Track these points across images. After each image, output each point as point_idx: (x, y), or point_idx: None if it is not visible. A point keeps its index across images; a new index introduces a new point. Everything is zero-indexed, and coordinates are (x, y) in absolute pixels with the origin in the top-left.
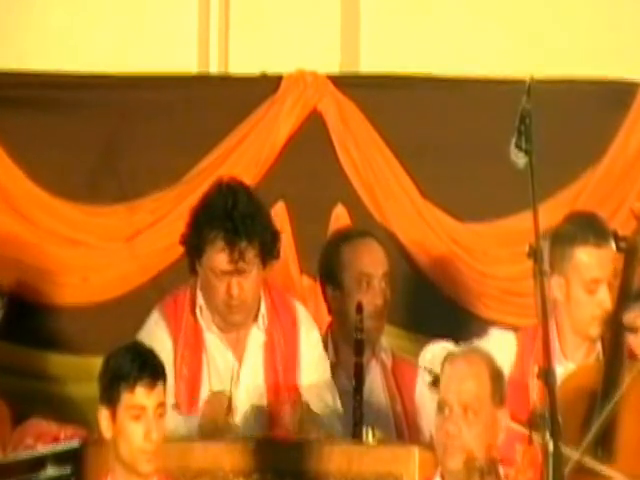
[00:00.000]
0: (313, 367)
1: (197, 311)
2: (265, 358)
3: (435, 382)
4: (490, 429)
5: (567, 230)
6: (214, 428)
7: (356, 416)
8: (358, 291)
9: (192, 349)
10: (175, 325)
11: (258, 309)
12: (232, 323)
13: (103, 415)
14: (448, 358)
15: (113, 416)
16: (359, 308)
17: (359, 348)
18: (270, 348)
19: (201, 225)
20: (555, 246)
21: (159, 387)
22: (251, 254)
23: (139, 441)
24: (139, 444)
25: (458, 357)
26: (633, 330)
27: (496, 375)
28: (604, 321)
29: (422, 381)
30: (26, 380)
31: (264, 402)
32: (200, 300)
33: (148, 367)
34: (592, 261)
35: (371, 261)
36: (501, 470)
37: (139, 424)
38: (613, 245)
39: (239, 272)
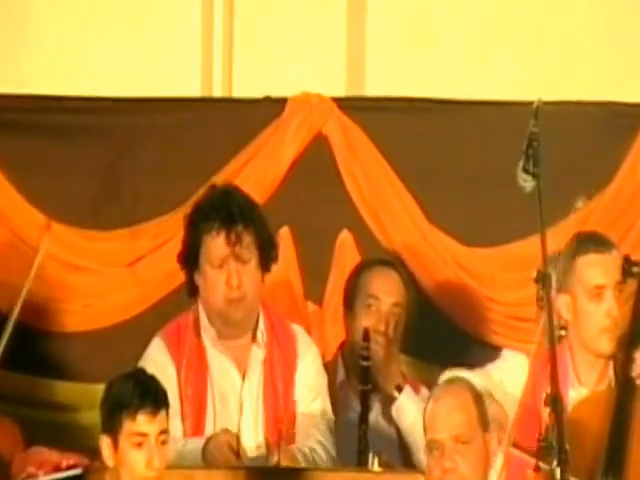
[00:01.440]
0: (312, 388)
1: (202, 331)
2: (265, 374)
3: None
4: (483, 454)
5: (569, 247)
6: (219, 462)
7: (361, 444)
8: (366, 314)
9: (196, 371)
10: (177, 348)
11: (257, 325)
12: (233, 323)
13: (105, 443)
14: (429, 399)
15: (115, 444)
16: (366, 335)
17: (364, 375)
18: (269, 364)
19: (196, 222)
20: (559, 266)
21: (161, 414)
22: (248, 239)
23: (141, 469)
24: (141, 472)
25: (440, 394)
26: None
27: (478, 399)
28: (615, 336)
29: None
30: (28, 408)
31: (262, 426)
32: (204, 320)
33: (150, 394)
34: (594, 268)
35: (382, 287)
36: None
37: (141, 452)
38: (617, 253)
39: (237, 258)
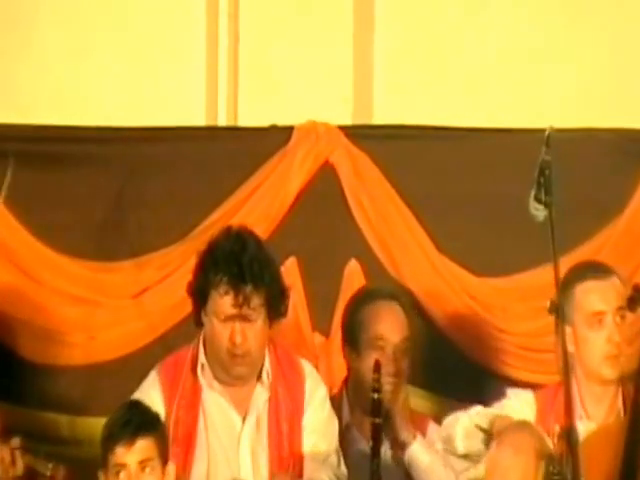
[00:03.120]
0: (320, 427)
1: (198, 369)
2: (269, 414)
3: (487, 440)
4: None
5: (567, 277)
6: None
7: (374, 479)
8: (374, 354)
9: (188, 410)
10: (170, 387)
11: (262, 365)
12: (236, 376)
13: (101, 478)
14: (496, 437)
15: (105, 475)
16: (377, 367)
17: (376, 408)
18: (274, 404)
19: (207, 269)
20: (561, 298)
21: (140, 443)
22: (256, 301)
23: None
24: None
25: (506, 439)
26: None
27: (544, 456)
28: (618, 362)
29: (432, 433)
30: (34, 444)
31: (266, 468)
32: (202, 357)
33: (130, 425)
34: (592, 294)
35: (388, 326)
36: None
37: None
38: (616, 279)
39: (243, 318)
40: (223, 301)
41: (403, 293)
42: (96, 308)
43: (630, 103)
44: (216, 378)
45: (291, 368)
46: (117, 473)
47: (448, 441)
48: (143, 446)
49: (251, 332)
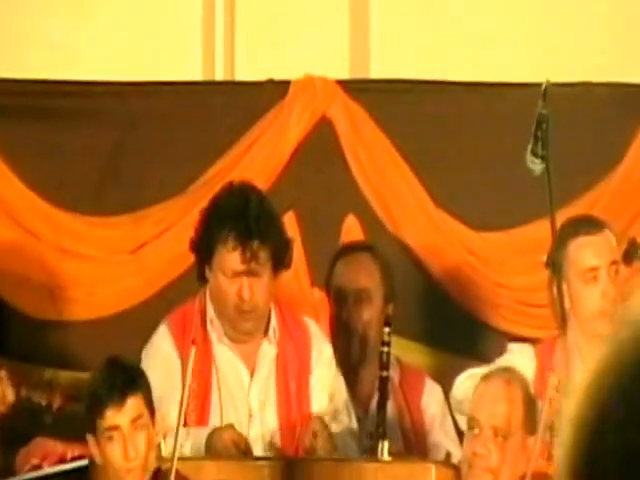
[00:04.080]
0: (327, 386)
1: (208, 323)
2: (277, 372)
3: None
4: (520, 456)
5: (561, 233)
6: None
7: (379, 432)
8: (343, 306)
9: (202, 362)
10: (183, 339)
11: (269, 321)
12: (243, 331)
13: (91, 442)
14: (484, 377)
15: (97, 441)
16: (387, 321)
17: (384, 362)
18: (282, 362)
19: (212, 225)
20: (555, 254)
21: (131, 401)
22: (263, 256)
23: (119, 462)
24: (120, 465)
25: (494, 377)
26: None
27: (530, 401)
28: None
29: (429, 391)
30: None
31: (275, 420)
32: (210, 312)
33: (116, 387)
34: (585, 250)
35: (348, 277)
36: None
37: (115, 445)
38: (609, 233)
39: (251, 273)
40: (231, 257)
41: (398, 247)
42: (94, 263)
43: (627, 57)
44: (225, 334)
45: (297, 327)
46: (110, 438)
47: (460, 401)
48: (133, 404)
49: (258, 287)
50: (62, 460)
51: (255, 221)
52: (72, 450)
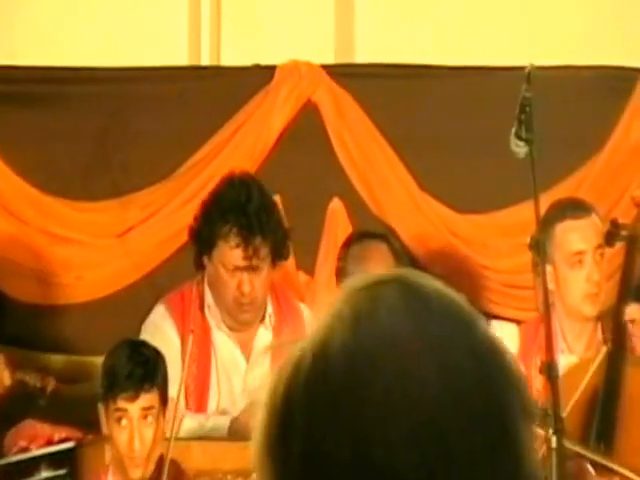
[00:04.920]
0: None
1: (206, 309)
2: (272, 358)
3: None
4: None
5: (547, 216)
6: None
7: None
8: None
9: (201, 346)
10: (182, 319)
11: (265, 309)
12: (242, 322)
13: (101, 411)
14: None
15: (107, 413)
16: None
17: None
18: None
19: (213, 218)
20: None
21: (145, 394)
22: (264, 251)
23: (123, 448)
24: (124, 451)
25: None
26: (635, 322)
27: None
28: (598, 300)
29: None
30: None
31: None
32: (209, 298)
33: (134, 376)
34: (571, 234)
35: (373, 266)
36: None
37: (122, 429)
38: (595, 217)
39: (252, 269)
40: (232, 253)
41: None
42: (82, 248)
43: (611, 40)
44: (223, 321)
45: (292, 313)
46: (118, 419)
47: None
48: (147, 398)
49: (258, 281)
50: (49, 442)
51: (257, 216)
52: (59, 432)
